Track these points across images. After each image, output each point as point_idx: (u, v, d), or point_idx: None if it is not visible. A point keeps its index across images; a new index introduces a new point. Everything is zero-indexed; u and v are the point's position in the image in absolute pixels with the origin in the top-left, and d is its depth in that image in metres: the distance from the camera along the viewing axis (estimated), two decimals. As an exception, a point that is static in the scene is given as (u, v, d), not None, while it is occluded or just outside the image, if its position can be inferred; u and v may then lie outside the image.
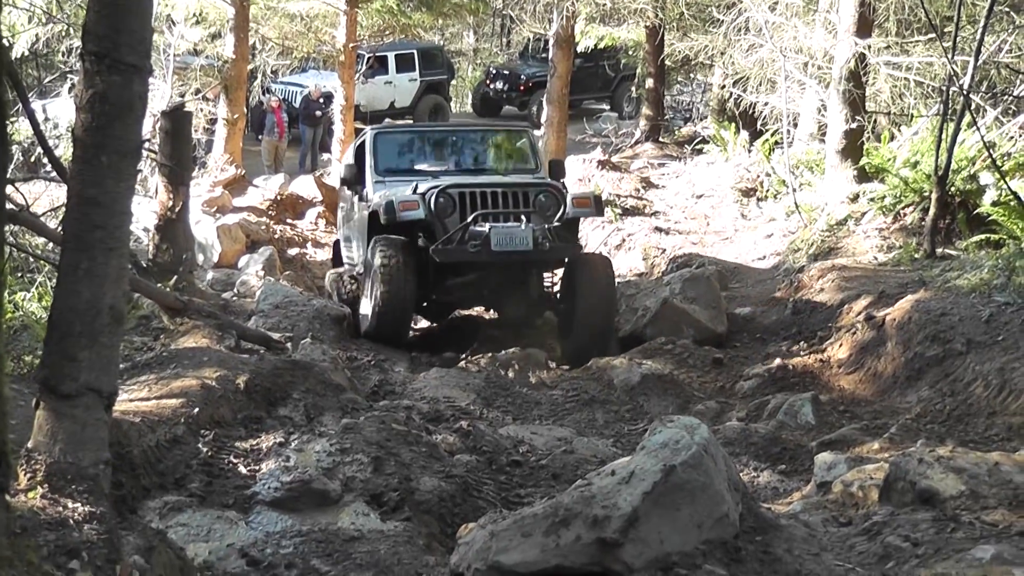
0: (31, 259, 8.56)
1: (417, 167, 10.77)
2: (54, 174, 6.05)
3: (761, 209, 15.02)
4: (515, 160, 11.25)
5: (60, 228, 4.58)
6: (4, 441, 2.92)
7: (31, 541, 2.96)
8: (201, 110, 18.12)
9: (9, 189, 4.43)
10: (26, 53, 14.81)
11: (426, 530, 4.57)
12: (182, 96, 17.06)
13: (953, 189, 10.86)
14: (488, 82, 28.55)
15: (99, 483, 3.38)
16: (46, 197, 10.16)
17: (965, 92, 10.13)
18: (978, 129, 10.63)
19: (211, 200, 15.84)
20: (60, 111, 15.40)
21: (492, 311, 11.16)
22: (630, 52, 24.27)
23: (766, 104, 16.35)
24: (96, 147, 3.41)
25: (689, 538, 3.48)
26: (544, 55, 23.51)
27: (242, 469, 5.06)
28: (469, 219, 9.40)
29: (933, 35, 12.17)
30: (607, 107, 27.80)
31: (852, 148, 12.61)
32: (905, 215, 11.59)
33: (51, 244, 7.67)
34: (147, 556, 3.33)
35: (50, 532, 3.04)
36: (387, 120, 19.08)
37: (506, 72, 28.39)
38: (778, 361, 8.25)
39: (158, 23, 16.36)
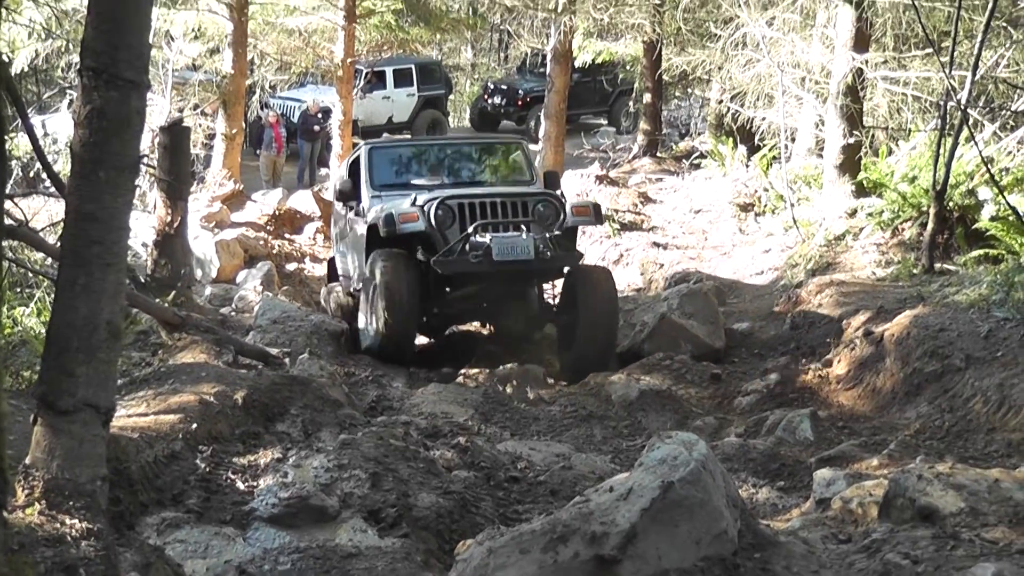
0: (30, 274, 8.56)
1: (413, 181, 10.70)
2: (53, 189, 6.05)
3: (759, 224, 15.02)
4: (510, 172, 11.21)
5: (58, 243, 4.57)
6: (2, 457, 2.91)
7: (29, 558, 2.95)
8: (199, 125, 18.16)
9: (8, 204, 4.43)
10: (25, 69, 14.88)
11: (424, 546, 4.55)
12: (180, 111, 17.08)
13: (951, 204, 10.87)
14: (486, 97, 28.56)
15: (96, 499, 3.37)
16: (45, 212, 10.19)
17: (963, 107, 10.14)
18: (976, 144, 10.65)
19: (209, 215, 15.85)
20: (59, 126, 15.41)
21: (490, 326, 11.13)
22: (628, 67, 24.36)
23: (764, 119, 16.38)
24: (94, 162, 3.41)
25: (687, 555, 3.47)
26: (542, 70, 23.52)
27: (240, 485, 5.04)
28: (470, 230, 9.30)
29: (931, 50, 12.19)
30: (605, 122, 27.88)
31: (850, 163, 12.62)
32: (903, 230, 11.59)
33: (50, 259, 7.66)
34: (144, 573, 3.33)
35: (48, 548, 3.03)
36: (385, 135, 19.08)
37: (504, 87, 28.41)
38: (776, 376, 8.23)
39: (157, 38, 16.41)
